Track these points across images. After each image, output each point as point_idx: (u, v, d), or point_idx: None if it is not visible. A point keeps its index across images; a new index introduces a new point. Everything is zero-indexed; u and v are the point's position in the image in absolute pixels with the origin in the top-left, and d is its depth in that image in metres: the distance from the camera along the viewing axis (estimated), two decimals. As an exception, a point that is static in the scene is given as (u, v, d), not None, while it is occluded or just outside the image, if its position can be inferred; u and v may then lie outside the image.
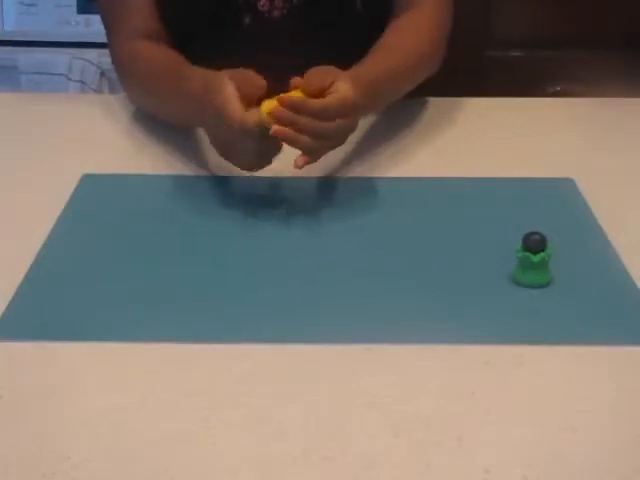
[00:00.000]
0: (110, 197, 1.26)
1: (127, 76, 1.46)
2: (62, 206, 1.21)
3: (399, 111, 1.45)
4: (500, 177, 1.29)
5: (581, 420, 0.88)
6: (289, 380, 0.93)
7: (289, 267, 1.10)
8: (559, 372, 0.94)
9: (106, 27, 1.49)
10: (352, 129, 1.20)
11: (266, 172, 1.21)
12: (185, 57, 1.43)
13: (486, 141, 1.41)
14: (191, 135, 1.38)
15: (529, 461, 0.83)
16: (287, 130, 1.13)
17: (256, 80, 1.17)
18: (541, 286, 1.05)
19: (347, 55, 1.43)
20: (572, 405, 0.89)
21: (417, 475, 0.81)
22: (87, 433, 0.86)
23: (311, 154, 1.16)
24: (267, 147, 1.17)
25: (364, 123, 1.37)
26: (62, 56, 2.36)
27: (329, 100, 1.16)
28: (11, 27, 2.41)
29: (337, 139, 1.18)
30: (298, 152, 1.16)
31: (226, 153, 1.21)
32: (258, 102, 1.16)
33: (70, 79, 2.34)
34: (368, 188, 1.25)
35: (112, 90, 2.31)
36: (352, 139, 1.25)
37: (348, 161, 1.33)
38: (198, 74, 1.26)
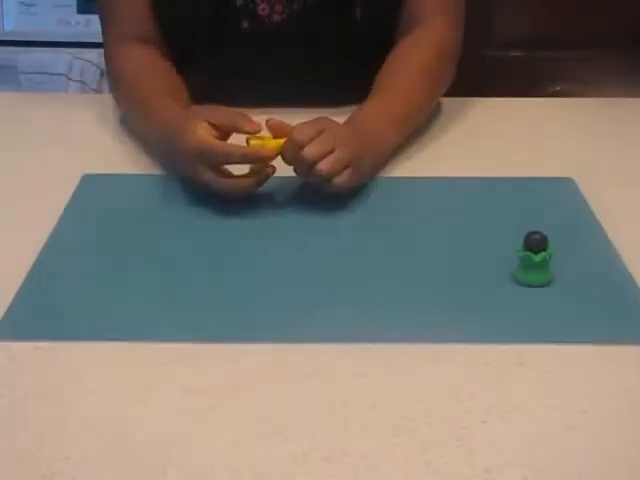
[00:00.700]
0: (110, 197, 1.26)
1: (112, 80, 1.46)
2: (63, 206, 1.21)
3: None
4: (500, 177, 1.29)
5: (581, 420, 0.88)
6: (289, 380, 0.93)
7: (289, 267, 1.10)
8: (559, 372, 0.94)
9: (101, 27, 1.49)
10: (343, 160, 1.17)
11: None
12: (183, 61, 1.43)
13: (486, 141, 1.41)
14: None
15: (529, 461, 0.83)
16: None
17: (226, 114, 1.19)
18: (542, 286, 1.05)
19: (347, 59, 1.43)
20: (572, 405, 0.89)
21: (417, 475, 0.81)
22: (87, 433, 0.86)
23: (324, 186, 1.18)
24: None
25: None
26: (62, 56, 2.36)
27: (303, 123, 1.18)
28: (11, 27, 2.41)
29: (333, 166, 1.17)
30: None
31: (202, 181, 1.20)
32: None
33: (70, 79, 2.34)
34: (369, 188, 1.25)
35: (112, 90, 2.31)
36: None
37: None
38: (170, 115, 1.26)
